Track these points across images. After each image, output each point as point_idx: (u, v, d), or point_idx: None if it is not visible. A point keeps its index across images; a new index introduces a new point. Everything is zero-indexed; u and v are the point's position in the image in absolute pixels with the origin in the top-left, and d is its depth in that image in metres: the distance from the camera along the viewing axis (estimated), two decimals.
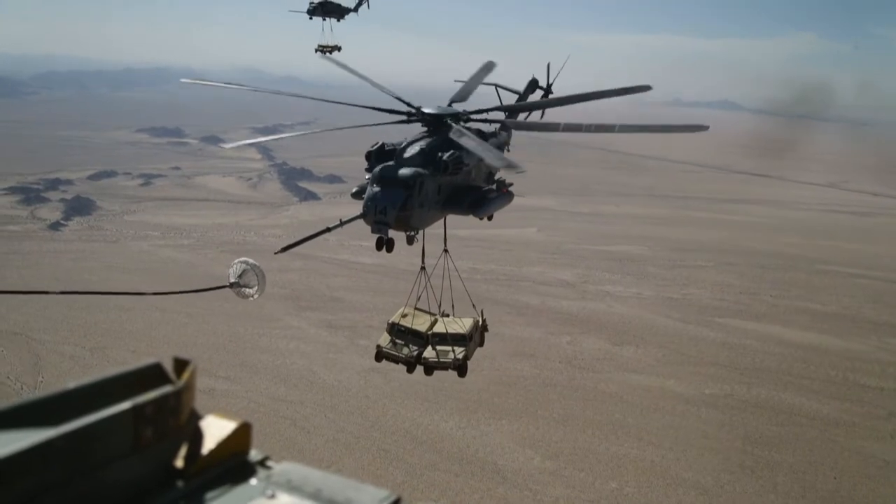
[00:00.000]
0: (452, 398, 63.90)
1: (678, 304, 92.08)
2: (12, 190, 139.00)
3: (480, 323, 24.47)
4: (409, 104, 21.45)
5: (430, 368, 22.91)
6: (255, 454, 2.79)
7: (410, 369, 23.15)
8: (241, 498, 2.57)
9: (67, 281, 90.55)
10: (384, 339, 23.50)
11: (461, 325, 23.60)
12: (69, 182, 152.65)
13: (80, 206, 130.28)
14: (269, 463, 2.77)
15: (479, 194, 21.49)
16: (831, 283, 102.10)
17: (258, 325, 78.73)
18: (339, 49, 55.08)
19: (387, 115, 21.42)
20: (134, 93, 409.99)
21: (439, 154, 19.63)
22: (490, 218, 23.38)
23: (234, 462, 2.70)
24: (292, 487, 2.59)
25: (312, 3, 51.08)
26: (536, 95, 26.56)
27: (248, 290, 15.01)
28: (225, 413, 2.78)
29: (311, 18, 51.64)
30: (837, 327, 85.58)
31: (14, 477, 2.12)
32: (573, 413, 63.07)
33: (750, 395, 67.96)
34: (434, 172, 19.53)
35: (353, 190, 20.39)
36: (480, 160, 21.59)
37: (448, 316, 24.14)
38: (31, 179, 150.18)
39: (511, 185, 22.83)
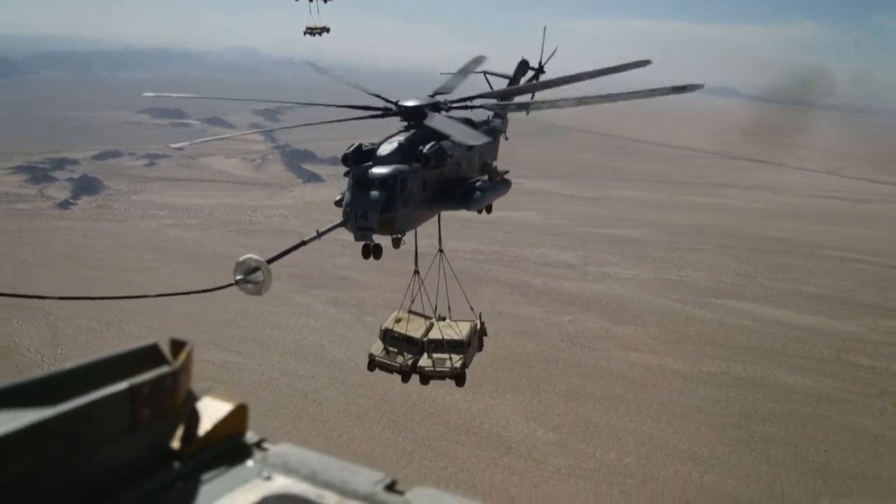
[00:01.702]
0: None
1: (676, 285, 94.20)
2: (19, 169, 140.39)
3: (479, 326, 23.55)
4: (386, 99, 20.34)
5: (426, 378, 21.88)
6: (251, 436, 2.80)
7: (405, 379, 22.10)
8: (237, 479, 2.59)
9: (78, 258, 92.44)
10: (377, 348, 22.50)
11: (458, 329, 22.69)
12: (75, 161, 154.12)
13: (87, 186, 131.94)
14: (266, 445, 2.78)
15: (470, 186, 20.41)
16: (827, 267, 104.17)
17: (268, 302, 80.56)
18: (327, 30, 53.18)
19: (362, 112, 20.42)
20: (133, 73, 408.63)
21: (420, 147, 18.56)
22: (489, 210, 22.45)
23: (231, 443, 2.71)
24: (288, 469, 2.61)
25: None
26: (528, 78, 25.51)
27: (253, 286, 14.90)
28: (222, 394, 2.80)
29: (296, 0, 50.31)
30: (832, 309, 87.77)
31: (10, 457, 2.12)
32: (575, 388, 65.33)
33: (745, 372, 70.21)
34: (416, 168, 18.41)
35: (337, 198, 18.97)
36: (469, 149, 20.72)
37: (444, 319, 23.23)
38: (37, 159, 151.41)
39: (507, 172, 21.89)
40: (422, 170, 18.53)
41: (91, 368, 2.50)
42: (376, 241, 17.95)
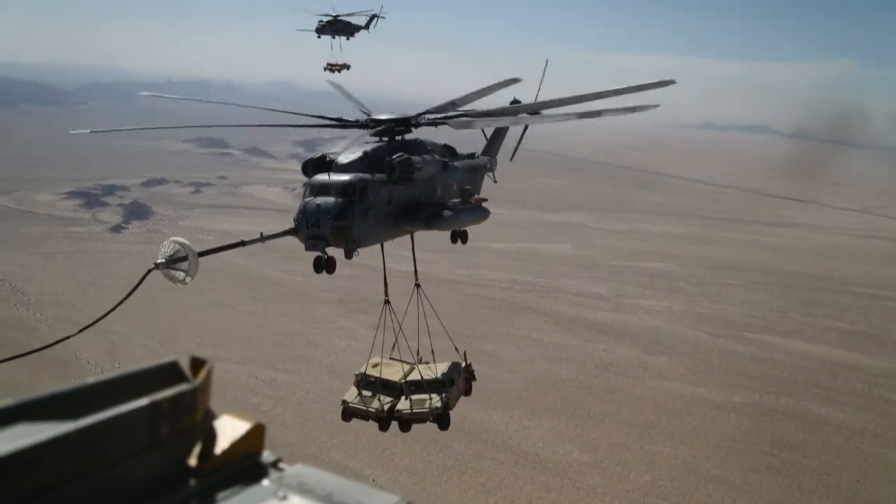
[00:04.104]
0: (495, 395, 68.29)
1: (708, 318, 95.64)
2: (73, 194, 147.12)
3: (464, 366, 22.31)
4: (367, 113, 19.92)
5: (406, 423, 20.44)
6: (267, 455, 2.81)
7: (383, 426, 20.61)
8: (252, 498, 2.59)
9: (132, 279, 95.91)
10: (351, 394, 21.11)
11: (440, 371, 21.53)
12: (124, 188, 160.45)
13: (137, 211, 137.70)
14: (282, 465, 2.78)
15: (441, 206, 19.44)
16: (861, 304, 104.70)
17: (312, 324, 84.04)
18: (347, 67, 53.80)
19: (336, 123, 20.10)
20: (176, 104, 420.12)
21: (387, 159, 17.66)
22: (464, 240, 21.22)
23: (247, 462, 2.73)
24: (304, 490, 2.60)
25: (321, 21, 51.44)
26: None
27: (179, 273, 14.26)
28: (239, 413, 2.83)
29: (319, 37, 51.86)
30: (865, 345, 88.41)
31: (32, 468, 2.15)
32: (609, 413, 67.18)
33: (778, 403, 71.44)
34: (381, 178, 17.45)
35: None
36: (444, 169, 20.12)
37: (428, 363, 21.81)
38: (89, 185, 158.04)
39: (485, 200, 20.98)
40: (387, 182, 17.57)
41: (113, 384, 2.54)
42: (330, 254, 16.77)
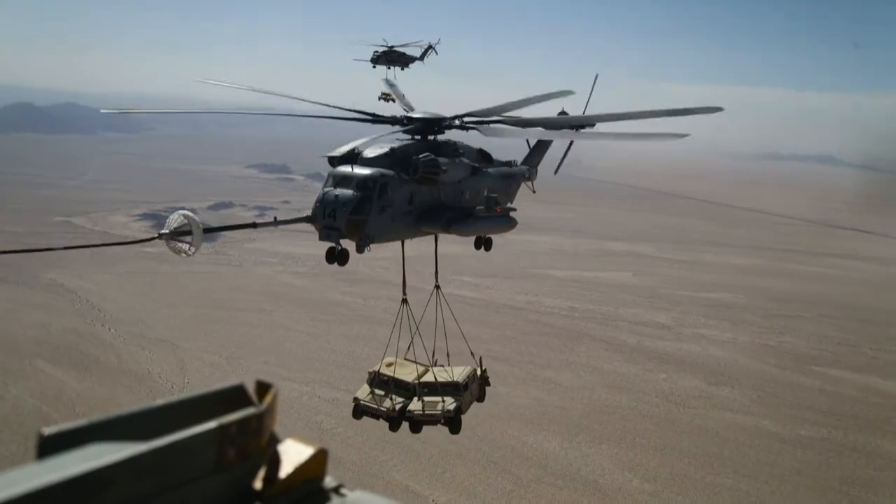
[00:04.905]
0: (555, 422, 68.36)
1: (774, 350, 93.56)
2: (145, 216, 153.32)
3: (479, 373, 22.10)
4: (387, 116, 19.84)
5: (416, 424, 20.23)
6: (329, 481, 2.81)
7: (393, 426, 20.44)
8: None
9: (200, 299, 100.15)
10: (363, 392, 20.97)
11: (453, 374, 21.42)
12: (193, 211, 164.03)
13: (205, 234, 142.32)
14: (343, 490, 2.79)
15: (464, 212, 19.12)
16: None
17: (373, 346, 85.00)
18: (402, 97, 57.73)
19: (371, 120, 19.94)
20: (241, 130, 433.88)
21: (413, 157, 17.55)
22: (488, 247, 21.05)
23: (310, 487, 2.74)
24: None
25: (377, 52, 51.05)
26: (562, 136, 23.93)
27: (182, 244, 14.36)
28: (303, 438, 2.83)
29: (374, 67, 51.05)
30: None
31: (105, 489, 2.18)
32: (670, 443, 66.29)
33: (847, 440, 69.36)
34: (403, 176, 17.36)
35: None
36: (472, 174, 19.76)
37: (443, 366, 21.78)
38: (160, 207, 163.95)
39: (513, 210, 20.68)
40: (410, 180, 17.51)
41: (180, 406, 2.57)
42: (343, 247, 16.86)
